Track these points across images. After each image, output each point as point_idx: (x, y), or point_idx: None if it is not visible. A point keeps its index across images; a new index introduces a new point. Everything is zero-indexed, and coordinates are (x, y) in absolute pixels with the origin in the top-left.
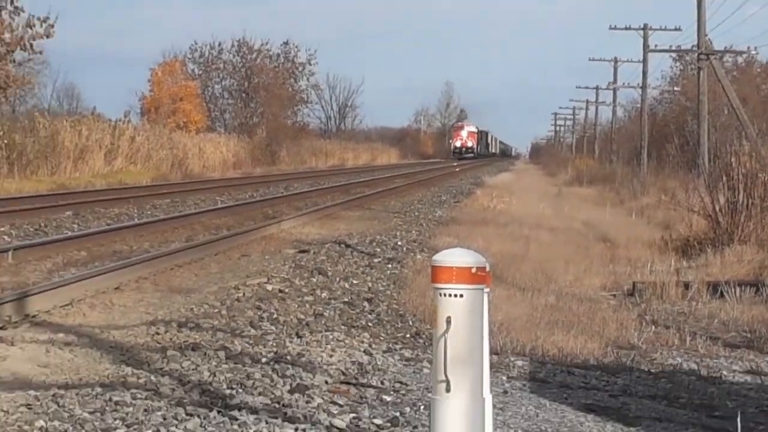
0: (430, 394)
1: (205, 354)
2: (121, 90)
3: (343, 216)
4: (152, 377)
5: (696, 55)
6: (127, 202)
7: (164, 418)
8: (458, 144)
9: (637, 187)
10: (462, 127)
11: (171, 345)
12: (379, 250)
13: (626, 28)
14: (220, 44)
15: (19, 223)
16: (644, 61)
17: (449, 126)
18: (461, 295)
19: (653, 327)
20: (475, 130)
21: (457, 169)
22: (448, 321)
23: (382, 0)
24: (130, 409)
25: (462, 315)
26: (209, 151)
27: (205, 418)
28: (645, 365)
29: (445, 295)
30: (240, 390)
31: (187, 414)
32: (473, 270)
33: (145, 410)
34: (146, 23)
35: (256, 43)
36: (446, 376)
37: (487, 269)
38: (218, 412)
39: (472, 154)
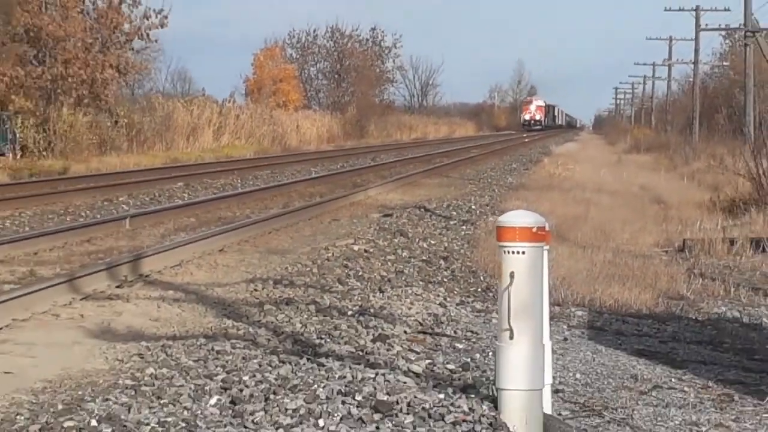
0: (496, 342)
1: (297, 308)
2: (228, 73)
3: (424, 183)
4: (250, 329)
5: (743, 32)
6: (231, 173)
7: (260, 365)
8: (527, 117)
9: (689, 153)
10: (530, 102)
11: (267, 300)
12: (455, 213)
13: (680, 9)
14: (315, 30)
15: (136, 193)
16: (696, 39)
17: (520, 101)
18: (523, 252)
19: (701, 279)
20: (543, 104)
21: (527, 140)
22: (512, 276)
23: None
24: (230, 357)
25: (524, 270)
26: (305, 127)
27: (296, 365)
28: (693, 314)
29: (508, 252)
30: (328, 339)
31: (280, 361)
32: (534, 229)
33: (243, 358)
34: (251, 12)
35: (347, 29)
36: (510, 325)
37: (547, 228)
38: (308, 359)
39: (540, 126)
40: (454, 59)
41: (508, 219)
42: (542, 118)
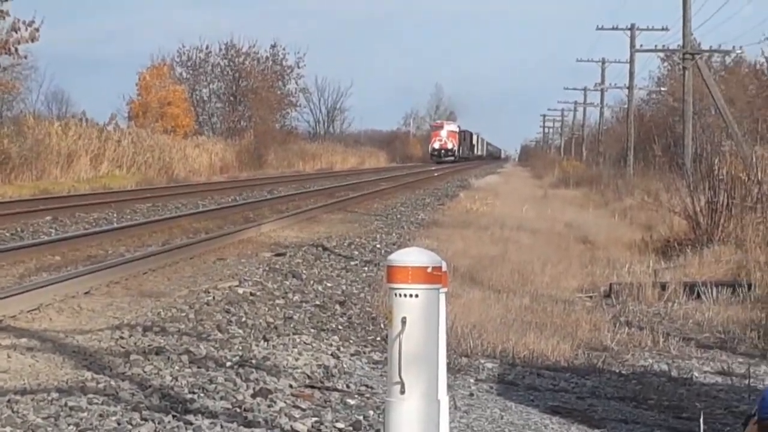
0: (385, 396)
1: (168, 358)
2: (110, 95)
3: (325, 219)
4: (112, 382)
5: (681, 54)
6: (108, 206)
7: (118, 423)
8: (436, 146)
9: (621, 188)
10: (441, 126)
11: (135, 349)
12: (356, 253)
13: (613, 28)
14: (207, 47)
15: None
16: (631, 61)
17: (428, 126)
18: (416, 296)
19: (627, 328)
20: (457, 129)
21: (436, 174)
22: (403, 321)
23: (370, 1)
24: (85, 414)
25: (417, 315)
26: (195, 155)
27: (159, 423)
28: (616, 367)
29: (400, 295)
30: (201, 394)
31: (142, 419)
32: (429, 270)
33: (100, 415)
34: (135, 27)
35: (244, 46)
36: (401, 377)
37: (444, 269)
38: (174, 416)
39: (452, 158)
40: (365, 82)
41: (400, 258)
42: (455, 147)
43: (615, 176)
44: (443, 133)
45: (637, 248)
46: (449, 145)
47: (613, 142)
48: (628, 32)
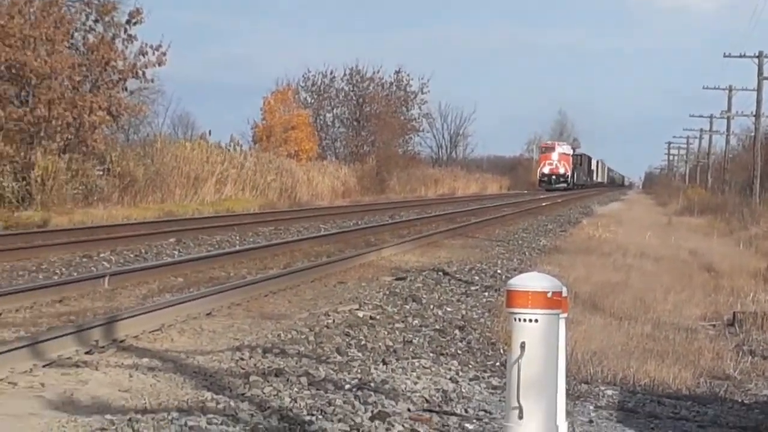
0: (503, 421)
1: (287, 380)
2: (235, 119)
3: (446, 244)
4: (232, 402)
5: None
6: (231, 229)
7: None
8: (546, 170)
9: (747, 216)
10: (552, 148)
11: (254, 370)
12: (477, 278)
13: (741, 56)
14: (332, 72)
15: (120, 249)
16: (759, 89)
17: (538, 147)
18: (536, 320)
19: (751, 357)
20: (570, 152)
21: (543, 204)
22: (523, 346)
23: (496, 29)
24: None
25: (537, 340)
26: (318, 179)
27: None
28: (738, 396)
29: (519, 320)
30: (320, 416)
31: None
32: (549, 294)
33: None
34: (262, 53)
35: (368, 71)
36: (519, 402)
37: (564, 294)
38: None
39: (564, 184)
40: (488, 107)
41: (520, 282)
42: (567, 172)
43: (740, 204)
44: (554, 155)
45: (762, 277)
46: (561, 170)
47: (739, 170)
48: (756, 60)
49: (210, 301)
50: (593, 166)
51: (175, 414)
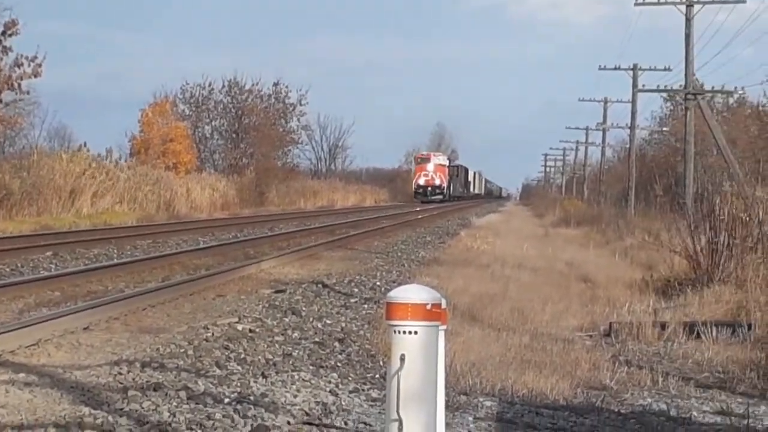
0: None
1: (166, 394)
2: (114, 131)
3: (325, 256)
4: (110, 417)
5: (684, 95)
6: (108, 242)
7: None
8: (422, 182)
9: (623, 227)
10: (427, 159)
11: (133, 385)
12: (356, 290)
13: (616, 68)
14: (210, 84)
15: None
16: (633, 101)
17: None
18: (416, 332)
19: (626, 367)
20: (446, 163)
21: (420, 217)
22: (402, 359)
23: (374, 40)
24: None
25: (416, 353)
26: (196, 192)
27: None
28: (615, 406)
29: (399, 332)
30: (199, 430)
31: None
32: (428, 306)
33: None
34: (138, 69)
35: (247, 83)
36: (399, 415)
37: (443, 306)
38: None
39: (441, 196)
40: (368, 119)
41: (399, 295)
42: (443, 183)
43: (616, 215)
44: (430, 167)
45: (637, 288)
46: (437, 181)
47: (614, 182)
48: (631, 72)
49: (87, 315)
50: (470, 178)
51: (52, 430)
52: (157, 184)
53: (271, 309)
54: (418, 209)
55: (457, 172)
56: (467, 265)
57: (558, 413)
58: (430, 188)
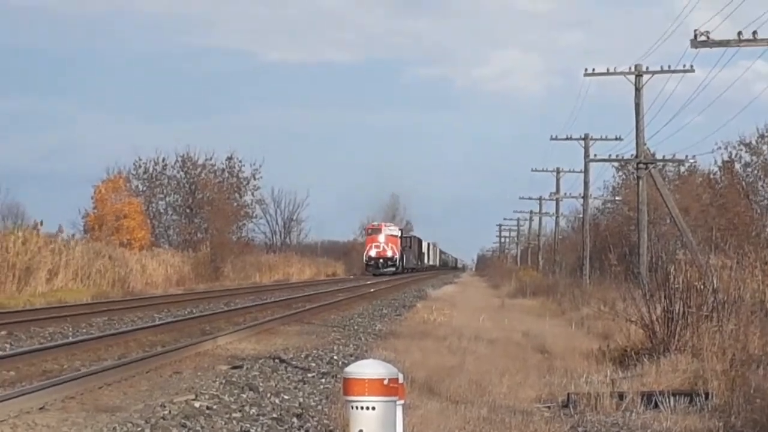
0: None
1: None
2: (68, 208)
3: (282, 331)
4: None
5: (635, 164)
6: (64, 320)
7: None
8: (373, 254)
9: (578, 297)
10: (379, 230)
11: None
12: (314, 365)
13: (567, 138)
14: (164, 160)
15: None
16: (585, 171)
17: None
18: (373, 408)
19: None
20: (398, 233)
21: (372, 290)
22: None
23: (326, 114)
24: None
25: (374, 428)
26: (151, 268)
27: None
28: None
29: (357, 407)
30: None
31: None
32: (385, 381)
33: None
34: (93, 142)
35: (200, 158)
36: None
37: (400, 380)
38: None
39: (393, 268)
40: (322, 192)
41: (356, 370)
42: (396, 255)
43: (571, 285)
44: (381, 237)
45: (594, 358)
46: (389, 253)
47: (569, 252)
48: (582, 142)
49: (43, 395)
50: (424, 249)
51: None
52: (111, 260)
53: (228, 385)
54: (369, 282)
55: (410, 243)
56: (424, 337)
57: None
58: (381, 260)
